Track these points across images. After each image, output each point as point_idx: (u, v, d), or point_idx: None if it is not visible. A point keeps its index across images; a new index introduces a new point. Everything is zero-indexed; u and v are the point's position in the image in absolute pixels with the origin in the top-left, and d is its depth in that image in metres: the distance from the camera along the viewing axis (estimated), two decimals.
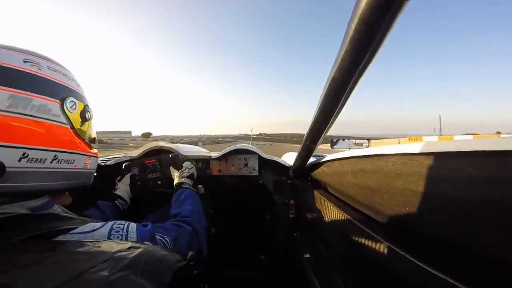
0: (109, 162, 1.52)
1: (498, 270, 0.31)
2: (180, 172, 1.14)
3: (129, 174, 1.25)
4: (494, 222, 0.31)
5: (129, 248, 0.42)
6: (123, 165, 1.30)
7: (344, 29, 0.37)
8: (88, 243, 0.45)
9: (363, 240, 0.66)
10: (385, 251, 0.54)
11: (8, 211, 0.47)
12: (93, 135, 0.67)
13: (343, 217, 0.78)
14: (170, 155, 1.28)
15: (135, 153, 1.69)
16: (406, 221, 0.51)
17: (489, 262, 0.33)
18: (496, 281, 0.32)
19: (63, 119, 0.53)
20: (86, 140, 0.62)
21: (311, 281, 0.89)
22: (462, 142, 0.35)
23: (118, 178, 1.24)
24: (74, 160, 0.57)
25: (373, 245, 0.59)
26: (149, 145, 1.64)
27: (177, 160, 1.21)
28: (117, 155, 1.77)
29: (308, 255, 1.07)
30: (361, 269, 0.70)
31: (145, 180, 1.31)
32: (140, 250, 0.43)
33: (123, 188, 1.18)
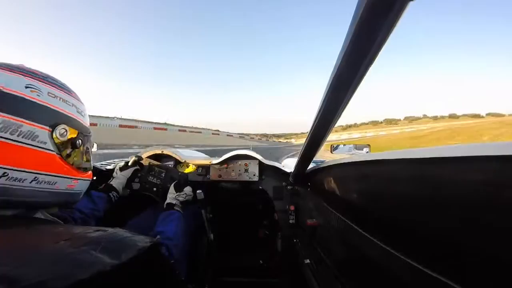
0: (109, 166, 1.52)
1: (495, 272, 0.32)
2: (177, 195, 1.14)
3: (133, 168, 1.25)
4: (491, 227, 0.31)
5: (96, 230, 0.44)
6: (134, 157, 1.31)
7: (343, 34, 0.37)
8: (60, 227, 0.48)
9: (363, 246, 0.65)
10: (387, 257, 0.53)
11: None
12: (84, 160, 0.67)
13: (343, 223, 0.78)
14: (180, 173, 1.28)
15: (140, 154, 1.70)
16: (407, 226, 0.51)
17: (488, 265, 0.33)
18: (494, 283, 0.32)
19: (49, 146, 0.55)
20: (75, 166, 0.63)
21: (311, 287, 0.88)
22: (461, 147, 0.35)
23: (122, 166, 1.23)
24: (56, 182, 0.57)
25: (374, 251, 0.59)
26: (150, 150, 1.65)
27: (182, 182, 1.21)
28: (117, 160, 1.77)
29: (308, 261, 1.06)
30: (362, 275, 0.69)
31: (144, 181, 1.32)
32: (105, 232, 0.44)
33: (120, 179, 1.18)
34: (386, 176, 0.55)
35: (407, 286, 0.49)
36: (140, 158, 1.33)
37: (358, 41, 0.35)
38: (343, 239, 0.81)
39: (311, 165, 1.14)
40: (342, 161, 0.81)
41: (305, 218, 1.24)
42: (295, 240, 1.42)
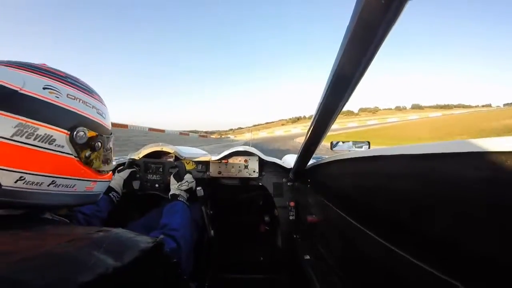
0: None
1: (495, 269, 0.32)
2: (179, 184, 1.15)
3: (130, 170, 1.27)
4: (491, 223, 0.31)
5: (98, 231, 0.44)
6: (128, 159, 1.33)
7: (344, 29, 0.37)
8: (64, 227, 0.47)
9: (363, 242, 0.65)
10: (386, 253, 0.54)
11: None
12: (104, 162, 0.66)
13: (343, 219, 0.78)
14: (176, 163, 1.30)
15: (135, 154, 1.69)
16: (406, 222, 0.51)
17: (487, 262, 0.33)
18: (493, 280, 0.32)
19: (67, 150, 0.53)
20: (94, 168, 0.61)
21: (311, 283, 0.89)
22: (460, 143, 0.35)
23: (119, 169, 1.26)
24: (74, 185, 0.56)
25: (374, 247, 0.59)
26: (150, 146, 1.64)
27: (180, 171, 1.22)
28: (117, 157, 1.77)
29: (308, 257, 1.07)
30: (361, 271, 0.70)
31: (144, 180, 1.33)
32: (108, 232, 0.44)
33: (117, 180, 1.20)
34: (386, 172, 0.55)
35: (406, 281, 0.49)
36: (134, 160, 1.35)
37: (359, 40, 0.35)
38: (342, 235, 0.82)
39: (311, 161, 1.14)
40: (342, 157, 0.81)
41: (305, 215, 1.25)
42: (295, 236, 1.43)
